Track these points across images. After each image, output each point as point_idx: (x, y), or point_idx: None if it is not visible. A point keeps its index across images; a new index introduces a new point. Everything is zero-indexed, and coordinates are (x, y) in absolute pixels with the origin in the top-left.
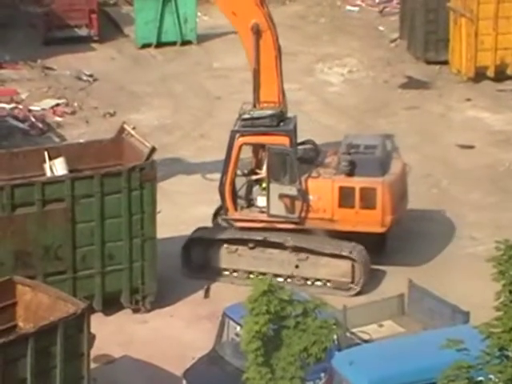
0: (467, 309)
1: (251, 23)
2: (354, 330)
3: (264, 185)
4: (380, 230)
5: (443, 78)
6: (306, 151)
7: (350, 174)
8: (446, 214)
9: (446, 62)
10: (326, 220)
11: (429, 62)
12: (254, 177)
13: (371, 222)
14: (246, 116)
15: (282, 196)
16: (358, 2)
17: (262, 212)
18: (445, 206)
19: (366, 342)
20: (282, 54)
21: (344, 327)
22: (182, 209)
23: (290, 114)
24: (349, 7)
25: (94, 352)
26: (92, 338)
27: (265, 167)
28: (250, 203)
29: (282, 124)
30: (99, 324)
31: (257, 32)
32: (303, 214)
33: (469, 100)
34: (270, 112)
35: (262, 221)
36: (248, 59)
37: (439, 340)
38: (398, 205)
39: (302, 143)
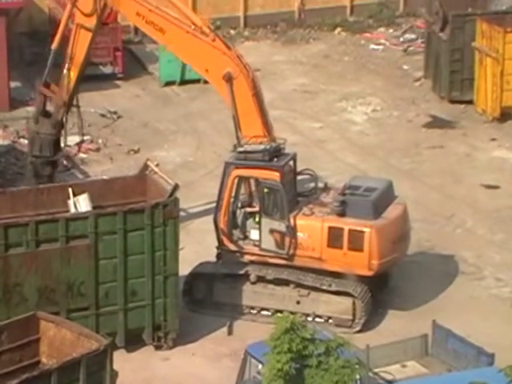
0: (491, 351)
1: (223, 73)
2: (376, 370)
3: (257, 218)
4: (367, 273)
5: (468, 117)
6: (314, 188)
7: (342, 214)
8: (470, 255)
9: (470, 102)
10: (315, 259)
11: (453, 102)
12: (248, 209)
13: (358, 264)
14: (241, 149)
15: (272, 231)
16: (382, 41)
17: (256, 245)
18: (469, 247)
19: (389, 382)
20: (306, 92)
21: (367, 367)
22: (205, 246)
23: (288, 151)
24: (373, 46)
25: None
26: (114, 375)
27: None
28: (245, 236)
29: (275, 159)
30: (122, 361)
31: (229, 79)
32: (292, 251)
33: (494, 140)
34: (262, 147)
35: (254, 254)
36: (227, 105)
37: (463, 382)
38: (389, 250)
39: (300, 173)
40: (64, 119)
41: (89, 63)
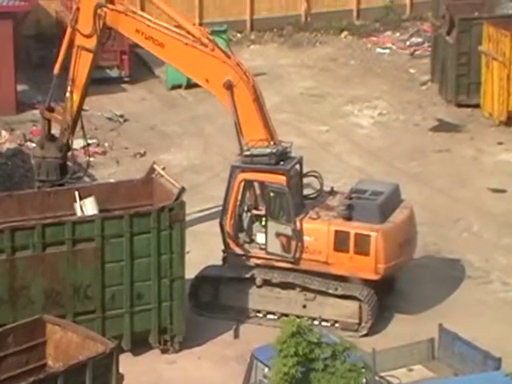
0: (498, 355)
1: (224, 81)
2: (383, 374)
3: (263, 222)
4: (373, 277)
5: (475, 121)
6: (322, 192)
7: (349, 218)
8: (476, 259)
9: (477, 106)
10: (321, 262)
11: (460, 105)
12: (255, 212)
13: (365, 268)
14: (247, 152)
15: (278, 234)
16: (389, 45)
17: (262, 249)
18: (476, 251)
19: None
20: (312, 95)
21: (373, 371)
22: (211, 249)
23: (294, 154)
24: (379, 49)
25: None
26: (120, 378)
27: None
28: (251, 239)
29: (281, 163)
30: (128, 364)
31: (229, 87)
32: (298, 255)
33: (501, 144)
34: (269, 150)
35: (260, 257)
36: (228, 112)
37: None
38: (396, 253)
39: (306, 174)
40: (70, 141)
41: (95, 67)
